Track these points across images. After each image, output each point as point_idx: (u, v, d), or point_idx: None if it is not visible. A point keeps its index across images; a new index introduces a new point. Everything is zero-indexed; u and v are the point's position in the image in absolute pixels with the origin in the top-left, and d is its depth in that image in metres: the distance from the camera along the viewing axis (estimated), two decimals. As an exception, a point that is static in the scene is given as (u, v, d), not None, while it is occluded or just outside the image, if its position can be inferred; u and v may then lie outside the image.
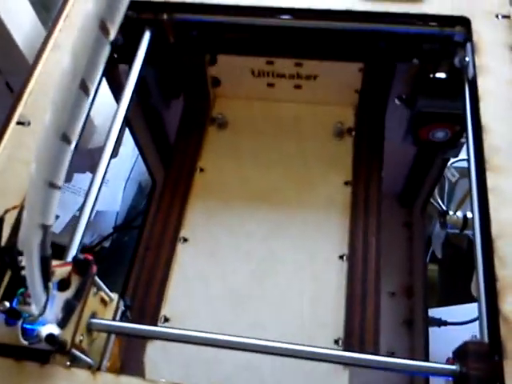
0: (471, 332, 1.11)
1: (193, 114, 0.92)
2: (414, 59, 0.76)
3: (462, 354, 0.51)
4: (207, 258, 0.77)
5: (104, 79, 0.82)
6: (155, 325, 0.71)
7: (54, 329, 0.49)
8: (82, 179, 1.22)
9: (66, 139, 0.39)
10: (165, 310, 0.73)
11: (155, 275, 0.76)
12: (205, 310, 0.73)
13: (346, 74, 0.84)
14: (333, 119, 0.87)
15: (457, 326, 1.10)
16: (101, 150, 0.97)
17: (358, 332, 0.69)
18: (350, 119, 0.88)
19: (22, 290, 0.50)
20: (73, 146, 0.40)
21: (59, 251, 1.29)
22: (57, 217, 1.21)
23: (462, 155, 0.90)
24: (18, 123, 0.63)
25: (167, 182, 0.84)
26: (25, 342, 0.49)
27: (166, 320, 0.72)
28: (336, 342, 0.69)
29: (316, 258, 0.76)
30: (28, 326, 0.50)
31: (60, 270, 0.53)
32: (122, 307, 0.61)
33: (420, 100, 0.79)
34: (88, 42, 0.36)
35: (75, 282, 0.53)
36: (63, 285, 0.53)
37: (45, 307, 0.49)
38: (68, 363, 0.52)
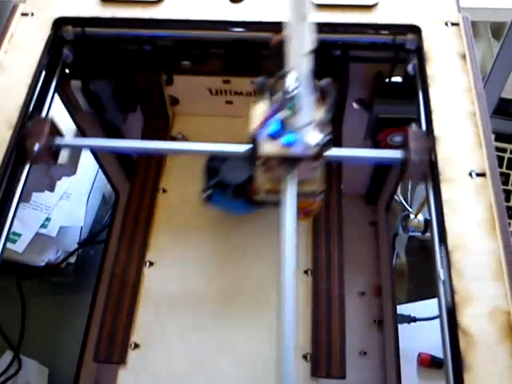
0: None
1: (152, 133, 0.90)
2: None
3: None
4: (173, 282, 0.76)
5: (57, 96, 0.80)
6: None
7: (318, 136, 0.54)
8: (41, 195, 1.19)
9: None
10: (134, 337, 0.72)
11: (123, 303, 0.74)
12: (173, 335, 0.72)
13: None
14: None
15: (426, 321, 1.13)
16: (58, 168, 0.95)
17: (324, 346, 0.70)
18: None
19: (291, 104, 0.53)
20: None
21: (24, 270, 1.27)
22: (19, 235, 1.18)
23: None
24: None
25: (130, 204, 0.83)
26: (294, 150, 0.54)
27: (136, 346, 0.71)
28: (304, 357, 0.69)
29: None
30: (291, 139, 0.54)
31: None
32: None
33: (376, 105, 0.80)
34: None
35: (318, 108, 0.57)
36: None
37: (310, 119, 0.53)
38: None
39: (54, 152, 0.66)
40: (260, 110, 0.59)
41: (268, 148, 0.55)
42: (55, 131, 0.67)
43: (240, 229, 0.80)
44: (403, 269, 1.37)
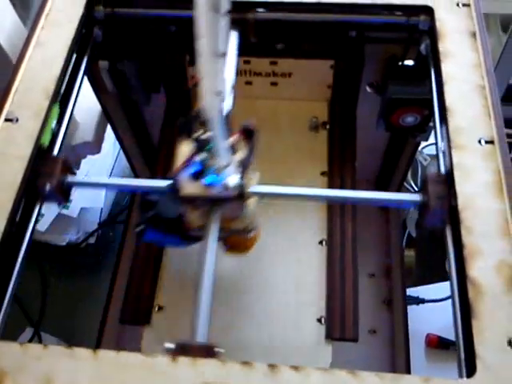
0: (447, 308, 1.17)
1: (175, 114, 0.94)
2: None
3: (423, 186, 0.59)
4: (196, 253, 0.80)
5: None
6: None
7: (237, 178, 0.56)
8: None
9: (217, 10, 0.43)
10: (158, 301, 0.76)
11: (147, 272, 0.79)
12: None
13: (319, 70, 0.88)
14: (308, 114, 0.91)
15: (434, 303, 1.16)
16: (84, 145, 0.99)
17: (338, 310, 0.73)
18: (324, 113, 0.92)
19: (209, 146, 0.54)
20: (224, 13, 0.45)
21: (45, 249, 1.30)
22: (41, 215, 1.22)
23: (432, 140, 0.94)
24: (7, 120, 0.65)
25: None
26: (214, 191, 0.55)
27: (160, 308, 0.75)
28: (319, 320, 0.73)
29: (297, 243, 0.80)
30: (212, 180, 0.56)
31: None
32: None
33: (390, 87, 0.84)
34: None
35: (241, 148, 0.60)
36: (233, 150, 0.59)
37: (228, 159, 0.55)
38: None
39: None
40: (185, 149, 0.60)
41: (189, 188, 0.56)
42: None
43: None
44: (412, 259, 1.40)
